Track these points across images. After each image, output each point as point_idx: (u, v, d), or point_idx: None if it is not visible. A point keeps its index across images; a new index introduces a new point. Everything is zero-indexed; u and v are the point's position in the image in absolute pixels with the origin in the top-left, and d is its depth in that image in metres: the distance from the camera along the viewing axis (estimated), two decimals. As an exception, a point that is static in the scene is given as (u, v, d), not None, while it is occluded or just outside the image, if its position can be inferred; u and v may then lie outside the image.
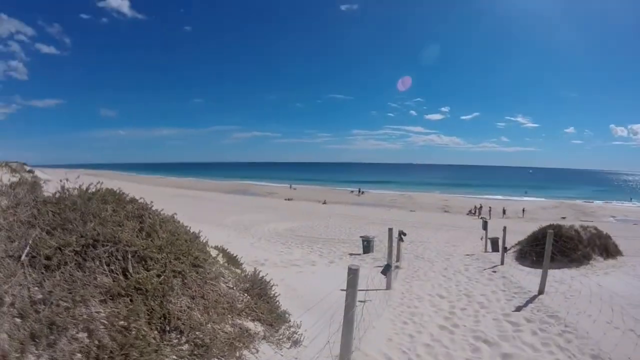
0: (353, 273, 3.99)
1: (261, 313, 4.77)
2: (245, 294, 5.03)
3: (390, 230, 9.23)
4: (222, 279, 5.08)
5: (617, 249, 13.73)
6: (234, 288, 5.06)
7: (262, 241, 16.68)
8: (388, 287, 8.75)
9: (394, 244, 9.57)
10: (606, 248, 13.42)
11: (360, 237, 15.71)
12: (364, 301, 7.14)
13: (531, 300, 7.62)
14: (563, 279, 9.43)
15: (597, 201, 68.82)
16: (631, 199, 76.23)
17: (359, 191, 71.17)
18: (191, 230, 5.73)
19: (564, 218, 36.98)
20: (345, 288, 4.06)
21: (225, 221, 24.39)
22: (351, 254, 14.51)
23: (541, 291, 7.99)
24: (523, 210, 45.46)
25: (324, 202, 50.00)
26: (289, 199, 52.97)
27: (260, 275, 5.73)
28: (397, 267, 11.39)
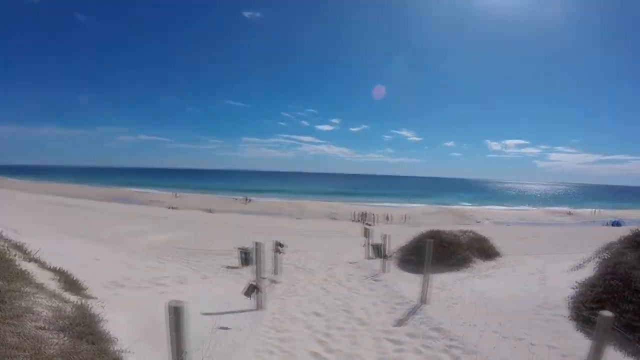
0: (174, 312, 2.89)
1: (81, 358, 3.54)
2: (62, 335, 3.74)
3: (258, 244, 8.14)
4: (31, 315, 3.75)
5: (495, 250, 14.32)
6: (47, 328, 3.75)
7: (134, 256, 14.72)
8: (259, 307, 7.73)
9: (266, 258, 8.60)
10: (485, 250, 13.94)
11: (238, 248, 14.50)
12: (227, 328, 6.07)
13: (414, 311, 7.21)
14: (445, 284, 9.40)
15: (473, 205, 75.31)
16: (502, 203, 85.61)
17: (246, 199, 69.61)
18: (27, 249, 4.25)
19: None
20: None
21: (101, 234, 21.53)
22: (229, 267, 13.30)
23: (424, 300, 7.63)
24: (405, 217, 47.43)
25: (210, 211, 47.66)
26: (173, 208, 49.58)
27: (89, 307, 4.40)
28: (274, 281, 10.54)
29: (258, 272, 7.91)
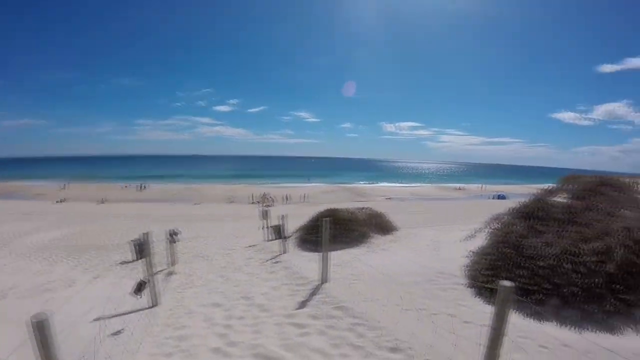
0: (38, 328, 2.32)
1: None
2: None
3: (146, 235, 7.31)
4: None
5: (392, 225, 14.73)
6: None
7: (19, 260, 12.91)
8: (153, 304, 7.02)
9: (161, 249, 7.87)
10: (382, 225, 14.28)
11: (131, 240, 13.36)
12: (119, 332, 5.38)
13: (315, 291, 6.95)
14: (345, 261, 9.30)
15: (370, 184, 78.26)
16: (396, 180, 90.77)
17: (141, 187, 65.77)
18: None
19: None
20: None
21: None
22: (123, 262, 12.18)
23: (324, 279, 7.40)
24: (304, 196, 47.82)
25: (103, 202, 44.18)
26: (61, 201, 45.04)
27: None
28: (170, 273, 9.83)
29: (149, 266, 7.16)
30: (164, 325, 5.98)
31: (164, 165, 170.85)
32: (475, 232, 10.50)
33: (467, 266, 7.58)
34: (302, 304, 6.29)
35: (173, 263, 11.11)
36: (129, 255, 13.01)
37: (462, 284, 6.83)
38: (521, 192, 54.34)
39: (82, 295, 8.29)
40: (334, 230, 12.19)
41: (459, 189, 72.43)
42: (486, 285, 6.54)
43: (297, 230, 14.48)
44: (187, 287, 8.47)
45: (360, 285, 6.94)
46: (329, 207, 15.22)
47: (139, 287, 6.81)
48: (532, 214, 8.35)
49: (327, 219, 7.57)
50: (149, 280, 6.98)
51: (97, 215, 29.75)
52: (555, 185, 11.19)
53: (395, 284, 6.86)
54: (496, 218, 10.73)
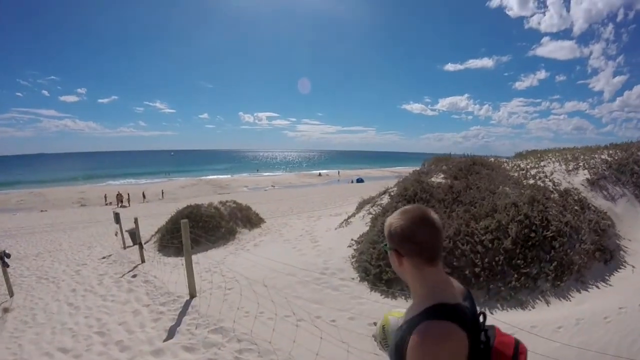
0: None
1: None
2: None
3: None
4: None
5: (259, 217, 13.96)
6: None
7: None
8: None
9: None
10: (249, 218, 13.52)
11: None
12: None
13: (184, 310, 5.74)
14: (213, 265, 8.16)
15: (231, 175, 76.44)
16: (257, 170, 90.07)
17: (-31, 196, 55.60)
18: None
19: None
20: None
21: None
22: None
23: (192, 294, 6.18)
24: (162, 192, 44.78)
25: None
26: None
27: None
28: (6, 310, 7.68)
29: None
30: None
31: (2, 167, 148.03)
32: (348, 218, 10.06)
33: (353, 257, 6.97)
34: (171, 332, 5.04)
35: (10, 294, 8.88)
36: None
37: (353, 279, 6.17)
38: (376, 175, 57.36)
39: None
40: (197, 230, 10.94)
41: (319, 175, 74.08)
42: (375, 272, 6.00)
43: (156, 233, 12.89)
44: (26, 328, 6.53)
45: (235, 296, 5.84)
46: (189, 204, 13.88)
47: None
48: (416, 196, 8.05)
49: (186, 220, 6.36)
50: None
51: None
52: (426, 166, 11.22)
53: (278, 289, 5.94)
54: (368, 202, 10.44)
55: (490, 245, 6.10)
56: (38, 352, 5.38)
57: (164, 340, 4.85)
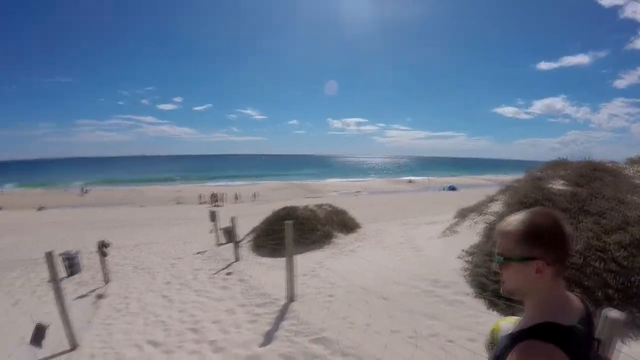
0: None
1: None
2: None
3: (50, 256, 5.23)
4: None
5: (355, 222, 13.34)
6: None
7: None
8: (71, 346, 5.18)
9: (93, 261, 5.96)
10: (345, 223, 12.91)
11: (60, 254, 11.10)
12: None
13: (282, 315, 5.36)
14: (310, 269, 7.77)
15: (321, 180, 77.19)
16: (349, 176, 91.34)
17: (83, 190, 61.34)
18: None
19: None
20: None
21: None
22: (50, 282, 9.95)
23: (291, 297, 5.78)
24: (254, 194, 45.98)
25: (41, 209, 40.18)
26: None
27: None
28: (100, 296, 7.93)
29: (60, 301, 5.25)
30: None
31: (107, 167, 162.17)
32: (453, 227, 9.22)
33: (465, 270, 6.20)
34: (268, 337, 4.67)
35: (106, 281, 9.20)
36: (61, 270, 10.91)
37: (468, 294, 5.41)
38: (469, 183, 54.83)
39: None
40: (293, 232, 10.65)
41: (410, 181, 72.49)
42: (493, 289, 5.21)
43: (250, 233, 12.84)
44: (119, 316, 6.60)
45: (338, 304, 5.37)
46: (285, 205, 13.71)
47: (37, 335, 4.93)
48: (536, 204, 7.08)
49: (290, 222, 6.02)
50: (48, 326, 5.05)
51: (33, 224, 26.62)
52: (538, 171, 10.06)
53: (383, 300, 5.36)
54: (474, 210, 9.52)
55: (625, 263, 5.09)
56: (127, 342, 5.29)
57: (261, 346, 4.49)
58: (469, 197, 11.91)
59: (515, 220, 1.26)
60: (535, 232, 1.20)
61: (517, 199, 7.74)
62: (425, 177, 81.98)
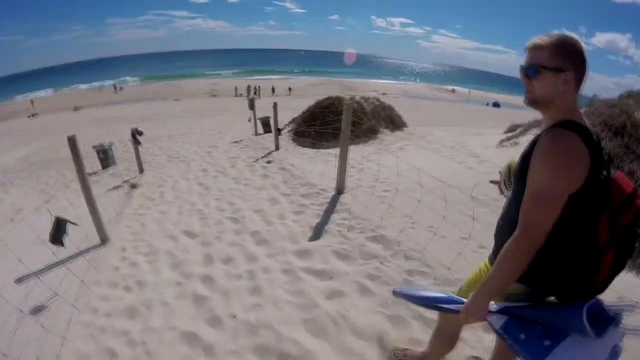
0: None
1: None
2: None
3: (71, 138, 4.43)
4: None
5: (402, 120, 12.61)
6: None
7: None
8: (102, 241, 4.73)
9: (127, 154, 5.42)
10: (392, 119, 12.23)
11: (93, 147, 10.86)
12: (40, 308, 3.26)
13: (331, 207, 4.74)
14: (358, 161, 7.06)
15: (360, 79, 74.71)
16: (391, 77, 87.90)
17: (116, 88, 61.48)
18: None
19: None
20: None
21: None
22: (89, 174, 9.73)
23: (340, 189, 5.16)
24: (290, 89, 44.98)
25: (77, 109, 40.48)
26: (32, 116, 40.82)
27: None
28: (134, 185, 7.62)
29: (85, 190, 4.72)
30: (108, 286, 3.71)
31: (141, 64, 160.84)
32: (513, 137, 8.34)
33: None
34: (317, 230, 4.11)
35: (140, 171, 8.87)
36: (96, 164, 10.70)
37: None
38: (513, 103, 51.69)
39: (16, 233, 5.79)
40: (337, 123, 9.94)
41: (453, 91, 69.47)
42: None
43: (289, 123, 12.24)
44: (152, 205, 6.20)
45: (395, 201, 4.67)
46: (329, 96, 13.00)
47: (57, 232, 4.13)
48: (624, 129, 6.01)
49: (350, 102, 5.26)
50: (66, 221, 4.22)
51: (70, 124, 26.68)
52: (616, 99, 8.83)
53: (448, 202, 4.61)
54: (535, 125, 8.53)
55: None
56: (161, 233, 4.85)
57: (310, 240, 3.95)
58: (517, 117, 10.77)
59: (548, 37, 1.33)
60: (569, 49, 1.30)
61: (602, 120, 6.63)
62: (465, 89, 77.97)
